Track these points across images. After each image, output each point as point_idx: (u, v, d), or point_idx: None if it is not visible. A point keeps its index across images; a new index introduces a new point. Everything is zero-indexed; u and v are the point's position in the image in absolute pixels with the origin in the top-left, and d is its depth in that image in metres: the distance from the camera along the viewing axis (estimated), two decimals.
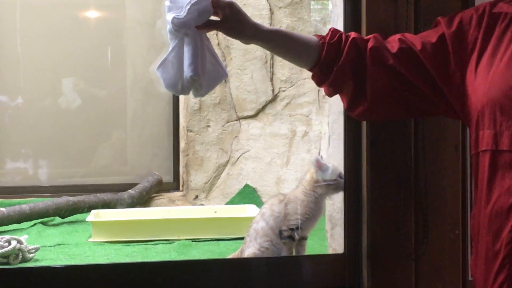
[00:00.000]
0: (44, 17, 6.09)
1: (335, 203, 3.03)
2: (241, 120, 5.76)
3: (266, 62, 5.68)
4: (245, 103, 5.74)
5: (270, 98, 5.76)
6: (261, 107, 5.77)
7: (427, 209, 2.56)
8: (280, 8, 5.72)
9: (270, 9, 5.71)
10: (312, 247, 4.08)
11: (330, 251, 3.09)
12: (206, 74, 2.10)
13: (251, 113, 5.77)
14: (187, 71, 2.06)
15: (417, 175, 2.56)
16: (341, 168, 2.83)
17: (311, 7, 5.74)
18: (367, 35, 2.48)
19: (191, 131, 5.74)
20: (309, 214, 3.14)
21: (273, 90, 5.77)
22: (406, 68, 2.11)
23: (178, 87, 2.11)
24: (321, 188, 3.09)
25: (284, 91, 5.77)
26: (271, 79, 5.75)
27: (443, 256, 2.59)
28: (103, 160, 6.20)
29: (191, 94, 2.16)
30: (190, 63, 2.06)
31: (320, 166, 3.10)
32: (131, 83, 6.14)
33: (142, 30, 6.16)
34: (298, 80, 5.68)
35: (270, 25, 5.67)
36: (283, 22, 5.71)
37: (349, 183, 2.65)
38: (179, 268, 2.64)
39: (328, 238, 3.15)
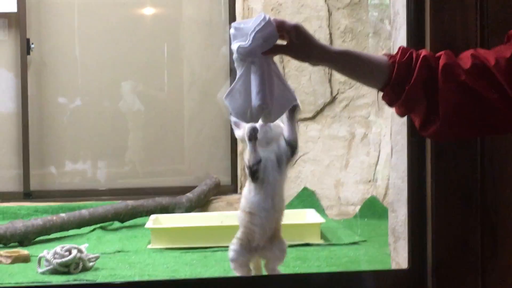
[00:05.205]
0: (101, 16, 6.13)
1: (398, 216, 2.96)
2: (299, 122, 5.71)
3: None
4: (303, 105, 5.67)
5: (328, 100, 5.70)
6: (319, 109, 5.72)
7: (496, 224, 2.48)
8: (338, 9, 5.65)
9: (328, 10, 5.65)
10: (373, 255, 4.03)
11: (393, 264, 3.03)
12: (274, 101, 2.06)
13: (310, 115, 5.72)
14: (255, 100, 2.03)
15: (483, 189, 2.48)
16: None
17: (369, 4, 5.67)
18: (431, 44, 2.42)
19: None
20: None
21: (331, 92, 5.71)
22: (480, 84, 2.03)
23: (247, 116, 2.08)
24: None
25: (342, 93, 5.70)
26: (330, 81, 5.69)
27: (511, 272, 2.51)
28: (161, 161, 6.22)
29: None
30: (258, 91, 2.02)
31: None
32: (188, 83, 6.14)
33: (198, 28, 6.15)
34: None
35: (329, 26, 5.62)
36: (342, 23, 5.65)
37: (413, 196, 2.59)
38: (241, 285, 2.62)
39: (391, 251, 3.09)
